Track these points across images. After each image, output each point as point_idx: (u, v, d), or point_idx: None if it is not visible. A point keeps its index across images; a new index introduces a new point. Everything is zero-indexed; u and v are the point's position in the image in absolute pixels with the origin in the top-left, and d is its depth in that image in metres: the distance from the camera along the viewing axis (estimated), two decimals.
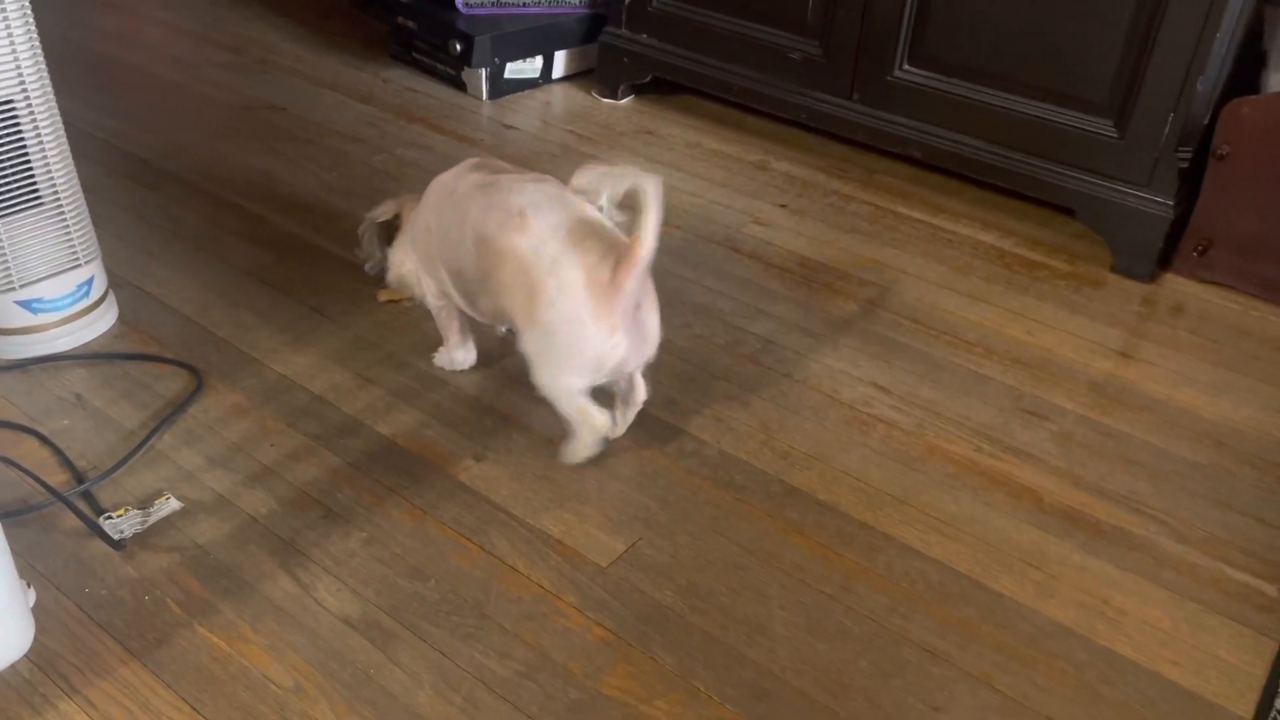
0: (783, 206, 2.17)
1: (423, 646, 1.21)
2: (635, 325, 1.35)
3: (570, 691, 1.17)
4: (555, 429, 1.51)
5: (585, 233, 1.33)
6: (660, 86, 2.61)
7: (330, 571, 1.29)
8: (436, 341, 1.67)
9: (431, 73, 2.72)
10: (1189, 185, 1.93)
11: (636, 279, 1.29)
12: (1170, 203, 1.90)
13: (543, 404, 1.44)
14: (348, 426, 1.52)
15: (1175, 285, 1.97)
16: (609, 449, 1.49)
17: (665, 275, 1.89)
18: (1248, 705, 1.19)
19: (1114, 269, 1.98)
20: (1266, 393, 1.69)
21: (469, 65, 2.56)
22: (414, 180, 2.20)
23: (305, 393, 1.58)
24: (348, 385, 1.61)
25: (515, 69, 2.64)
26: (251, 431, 1.50)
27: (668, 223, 2.08)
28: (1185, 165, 1.88)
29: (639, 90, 2.65)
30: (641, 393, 1.50)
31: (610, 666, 1.20)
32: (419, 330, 1.74)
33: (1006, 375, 1.71)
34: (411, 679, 1.17)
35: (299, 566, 1.30)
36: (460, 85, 2.64)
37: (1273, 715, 1.17)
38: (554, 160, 2.32)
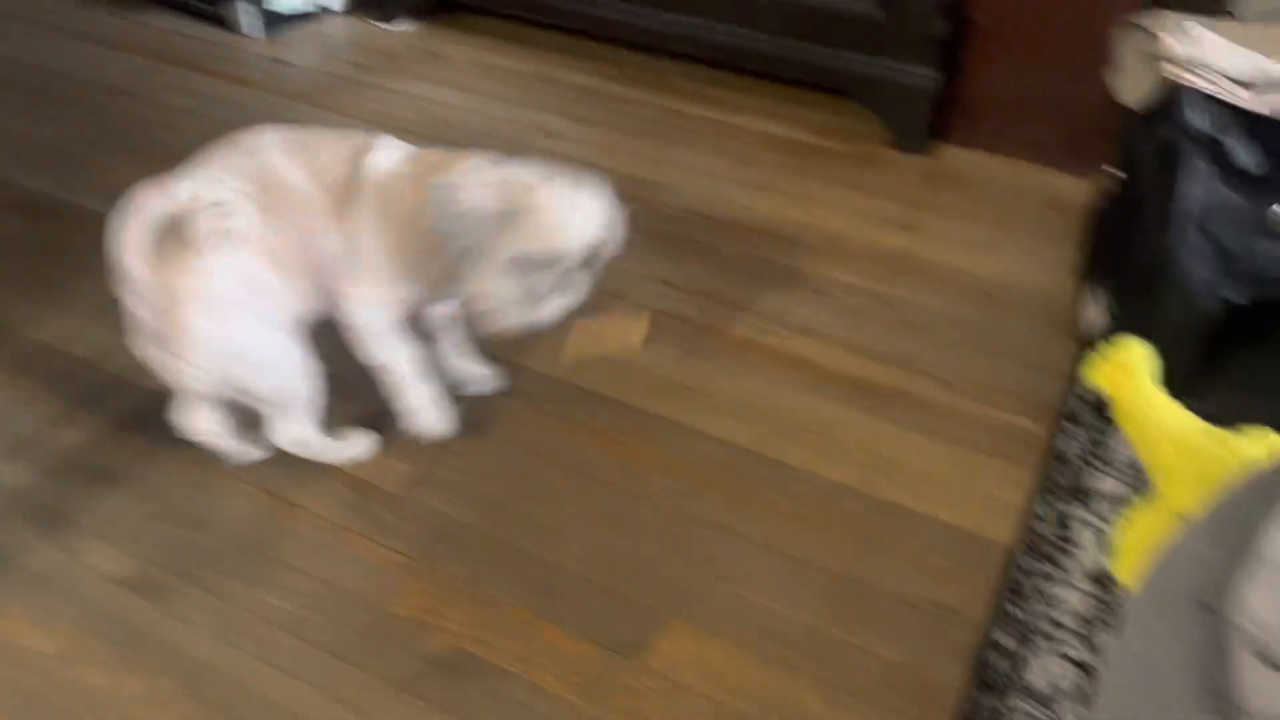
0: (580, 120, 2.15)
1: (203, 595, 1.17)
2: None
3: (361, 617, 1.15)
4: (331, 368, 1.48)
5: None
6: (443, 10, 2.53)
7: (100, 534, 1.24)
8: None
9: (197, 14, 2.56)
10: (952, 56, 1.99)
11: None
12: (935, 75, 1.95)
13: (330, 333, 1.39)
14: (112, 386, 1.45)
15: (949, 155, 2.03)
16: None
17: None
18: (1009, 532, 1.26)
19: (891, 145, 2.04)
20: (1032, 246, 1.77)
21: None
22: (188, 131, 2.08)
23: (65, 356, 1.50)
24: (111, 344, 1.51)
25: (287, 3, 2.51)
26: (5, 404, 1.41)
27: (454, 142, 2.04)
28: (946, 36, 1.93)
29: (421, 15, 2.56)
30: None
31: (401, 588, 1.19)
32: None
33: (790, 258, 1.74)
34: (192, 629, 1.14)
35: (65, 534, 1.23)
36: (226, 23, 2.50)
37: (1032, 538, 1.25)
38: (335, 93, 2.23)
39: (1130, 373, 1.25)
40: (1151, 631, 0.89)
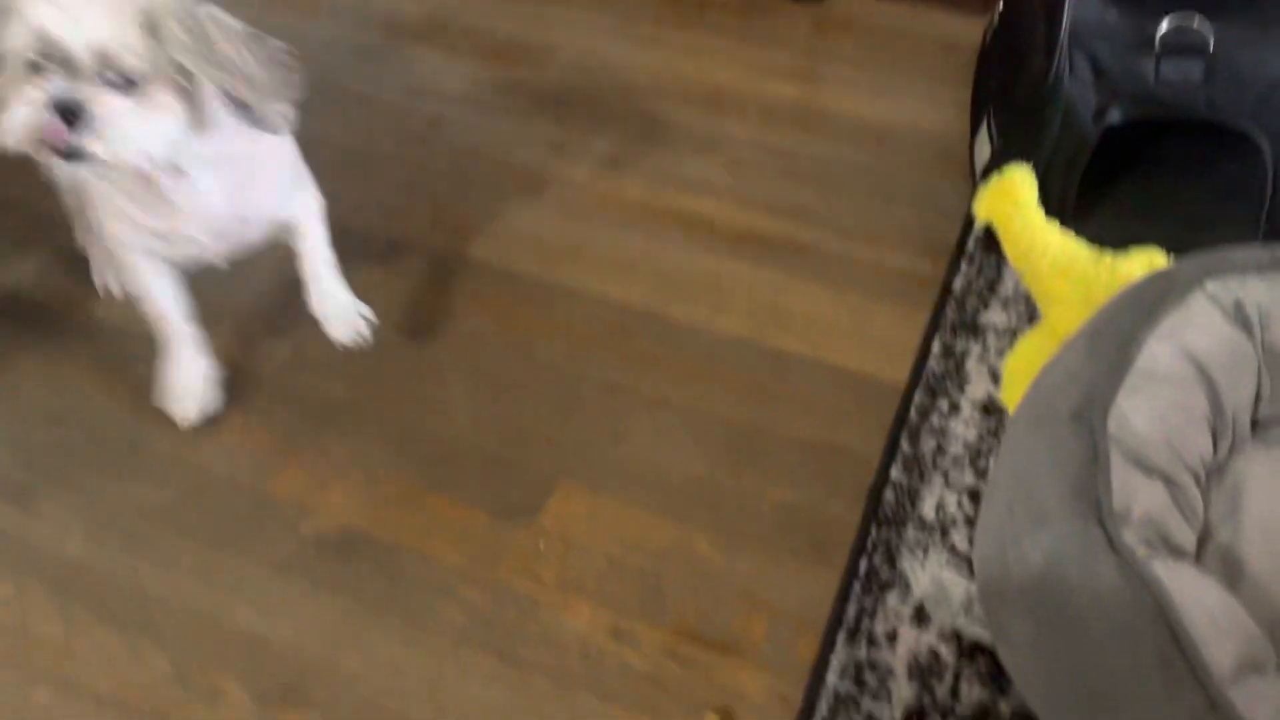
0: None
1: (69, 494, 1.11)
2: None
3: (238, 503, 1.11)
4: None
5: None
6: None
7: None
8: None
9: None
10: None
11: None
12: None
13: None
14: None
15: (840, 1, 1.96)
16: (257, 256, 1.37)
17: (323, 69, 1.74)
18: (903, 372, 1.25)
19: None
20: (927, 89, 1.73)
21: None
22: None
23: None
24: None
25: None
26: None
27: (316, 15, 1.92)
28: None
29: None
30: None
31: (279, 470, 1.14)
32: (33, 170, 1.54)
33: (680, 114, 1.67)
34: (60, 529, 1.08)
35: None
36: None
37: (925, 375, 1.24)
38: None
39: (1014, 201, 1.23)
40: (1027, 446, 0.89)
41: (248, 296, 1.34)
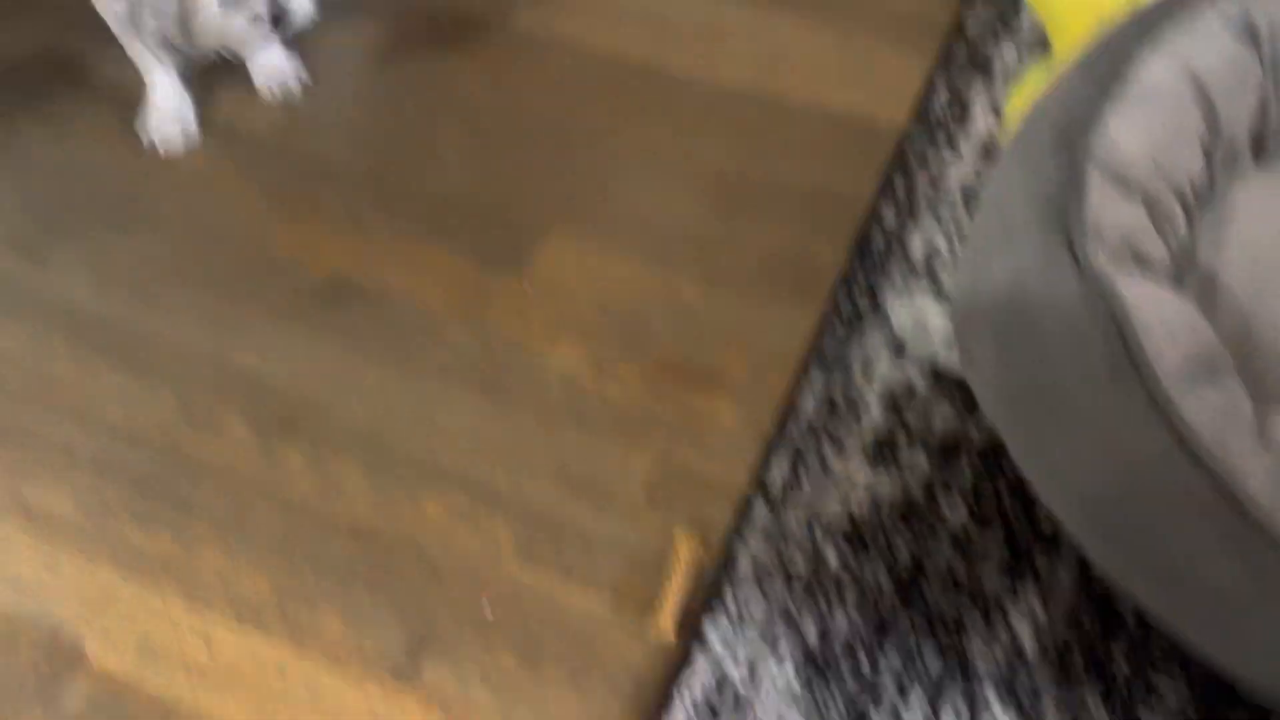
0: None
1: (79, 248, 1.15)
2: None
3: (239, 256, 1.14)
4: None
5: None
6: None
7: None
8: None
9: None
10: None
11: None
12: None
13: None
14: None
15: None
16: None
17: None
18: (904, 114, 1.21)
19: None
20: None
21: None
22: None
23: None
24: None
25: None
26: None
27: None
28: None
29: None
30: None
31: (278, 227, 1.16)
32: None
33: None
34: (71, 280, 1.12)
35: None
36: None
37: (926, 115, 1.20)
38: None
39: None
40: (1008, 169, 0.86)
41: (240, 64, 1.32)
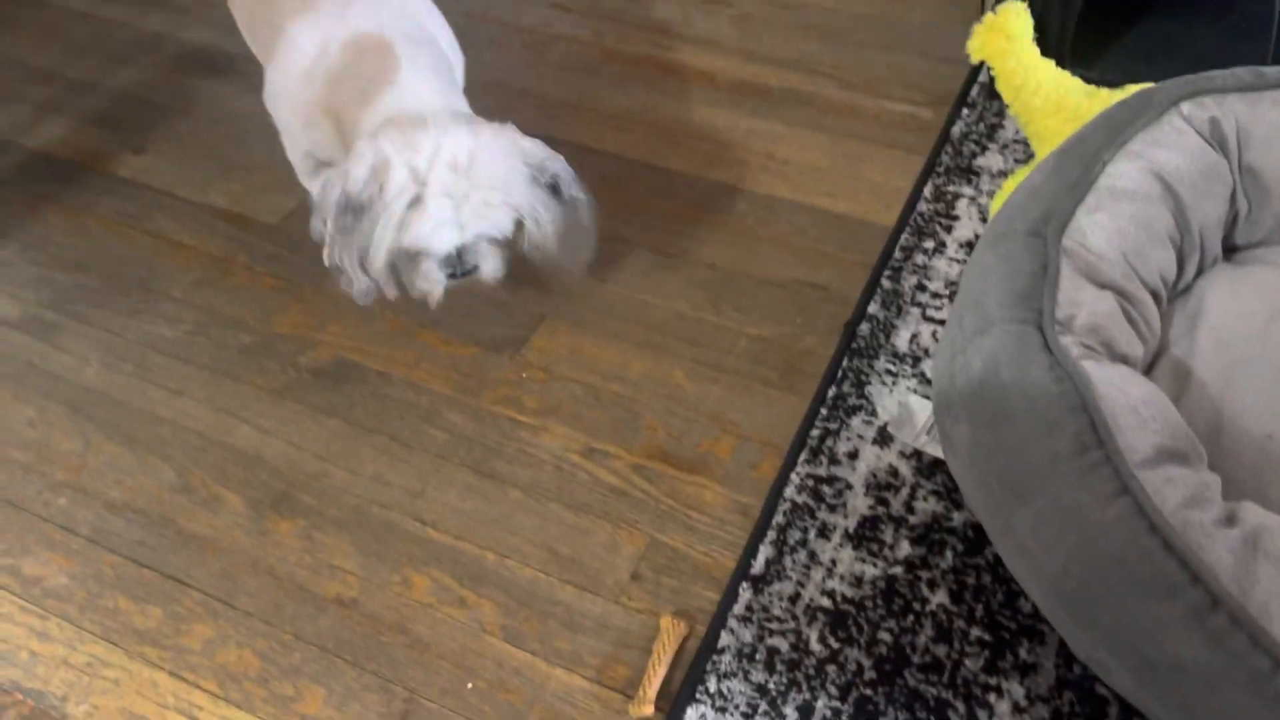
0: None
1: (88, 330, 1.19)
2: None
3: (242, 337, 1.17)
4: (220, 110, 1.45)
5: None
6: None
7: None
8: (96, 46, 1.55)
9: None
10: None
11: None
12: None
13: (207, 89, 1.36)
14: None
15: None
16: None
17: None
18: (893, 216, 1.25)
19: None
20: None
21: None
22: None
23: None
24: None
25: None
26: None
27: None
28: None
29: None
30: None
31: (282, 309, 1.20)
32: (64, 35, 1.61)
33: None
34: (78, 360, 1.16)
35: None
36: None
37: (914, 217, 1.24)
38: None
39: (1007, 36, 1.21)
40: (983, 261, 0.89)
41: (259, 154, 1.39)
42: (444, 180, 0.95)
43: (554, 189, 1.03)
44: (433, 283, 1.03)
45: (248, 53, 1.52)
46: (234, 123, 1.44)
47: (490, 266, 1.04)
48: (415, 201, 0.96)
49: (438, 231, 0.97)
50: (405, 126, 0.97)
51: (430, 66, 1.06)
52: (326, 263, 1.10)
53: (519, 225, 1.02)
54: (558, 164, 1.02)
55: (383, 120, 1.00)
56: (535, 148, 1.01)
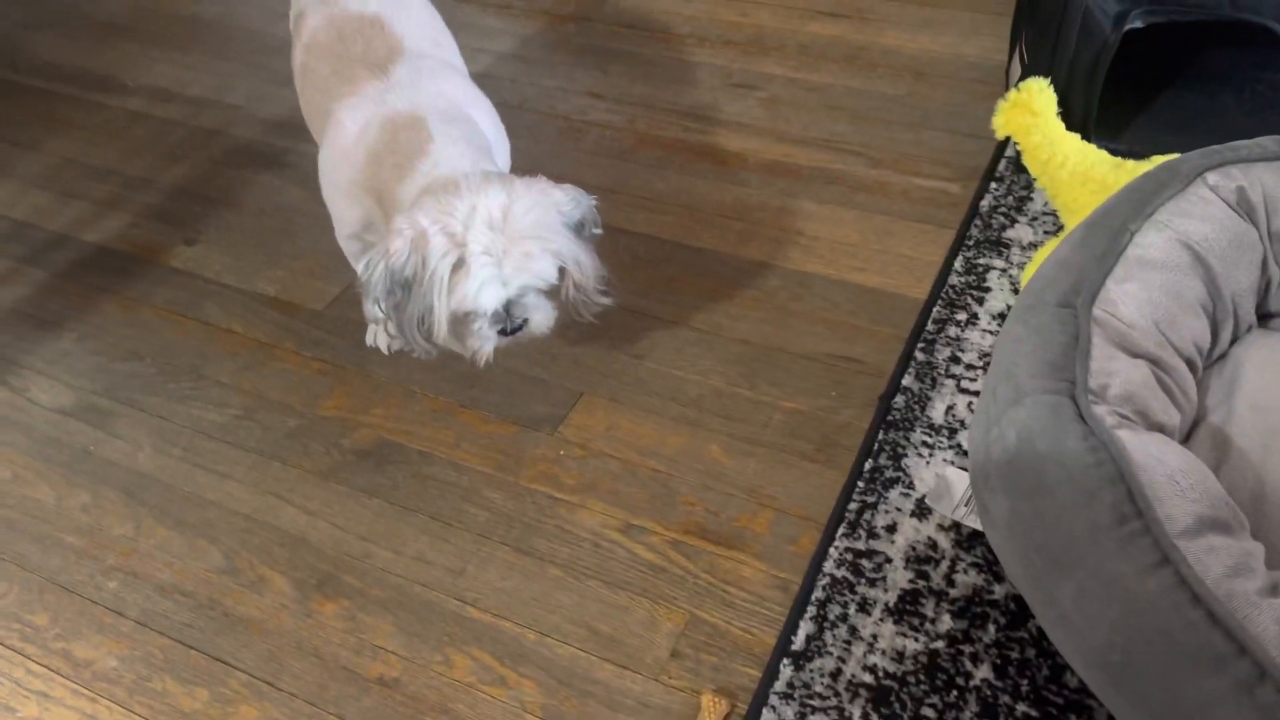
0: None
1: (140, 416, 1.23)
2: None
3: (289, 421, 1.20)
4: (267, 201, 1.51)
5: None
6: None
7: (43, 373, 1.29)
8: (153, 144, 1.63)
9: None
10: None
11: None
12: None
13: (255, 182, 1.41)
14: (53, 243, 1.49)
15: None
16: (311, 211, 1.48)
17: None
18: (925, 289, 1.26)
19: None
20: (964, 20, 1.72)
21: None
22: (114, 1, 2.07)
23: (6, 221, 1.54)
24: (51, 205, 1.56)
25: None
26: None
27: None
28: None
29: None
30: None
31: (327, 392, 1.23)
32: (124, 135, 1.69)
33: (718, 57, 1.71)
34: (131, 445, 1.19)
35: (11, 375, 1.29)
36: None
37: (945, 290, 1.25)
38: None
39: (1031, 112, 1.23)
40: (1015, 334, 0.90)
41: (305, 243, 1.43)
42: (483, 239, 0.98)
43: (580, 227, 1.05)
44: (485, 340, 1.04)
45: (294, 146, 1.59)
46: (281, 214, 1.49)
47: (540, 318, 1.05)
48: (458, 265, 0.98)
49: (483, 291, 0.99)
50: (439, 193, 1.00)
51: (463, 138, 1.09)
52: (369, 343, 1.13)
53: (561, 272, 1.04)
54: (586, 205, 1.05)
55: (419, 191, 1.03)
56: (567, 194, 1.04)
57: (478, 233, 0.97)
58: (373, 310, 1.02)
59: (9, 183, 1.61)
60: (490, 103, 1.22)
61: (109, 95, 1.81)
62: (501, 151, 1.21)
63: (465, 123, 1.12)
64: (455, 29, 1.86)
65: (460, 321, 1.03)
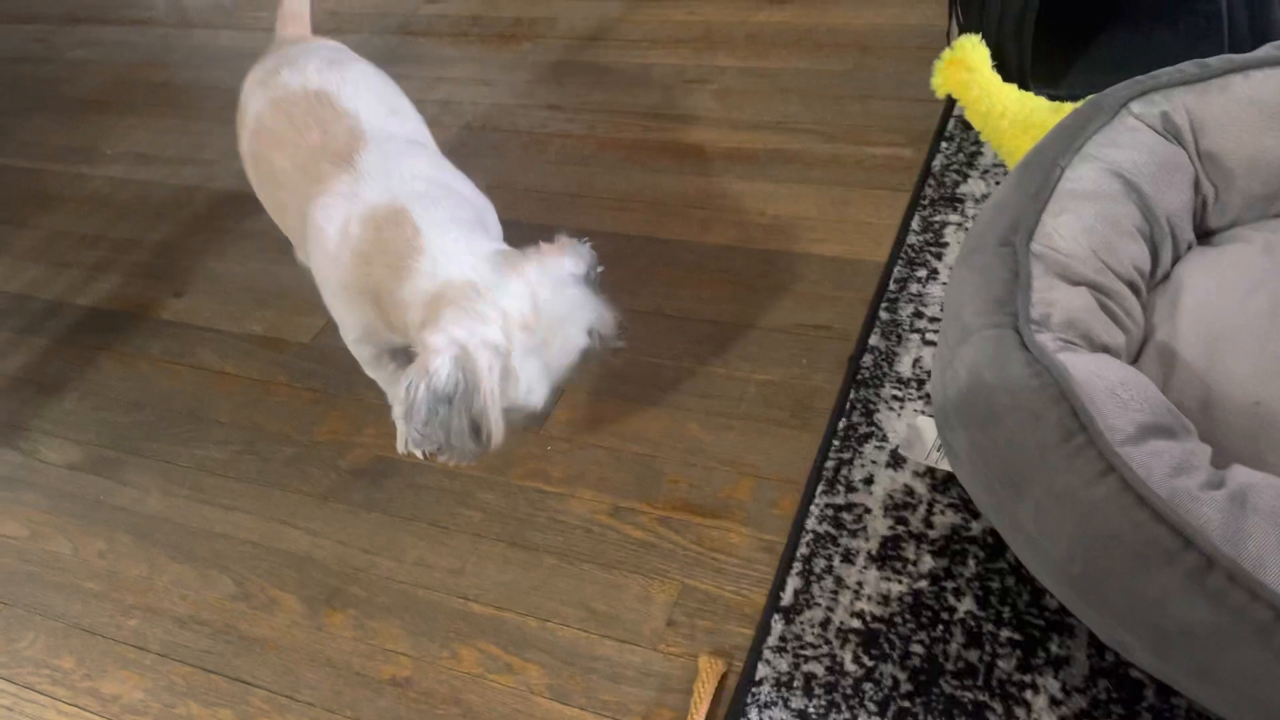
0: None
1: (146, 462, 1.27)
2: None
3: (287, 450, 1.25)
4: (249, 246, 1.56)
5: None
6: None
7: (51, 433, 1.34)
8: (137, 207, 1.68)
9: None
10: None
11: None
12: None
13: (237, 229, 1.47)
14: (49, 311, 1.55)
15: None
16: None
17: None
18: (885, 251, 1.30)
19: None
20: None
21: None
22: (92, 80, 2.15)
23: (3, 296, 1.60)
24: (44, 276, 1.62)
25: None
26: None
27: (334, 31, 2.07)
28: None
29: None
30: None
31: (321, 418, 1.28)
32: (108, 202, 1.74)
33: (670, 57, 1.76)
34: (140, 490, 1.24)
35: (20, 440, 1.34)
36: None
37: (905, 250, 1.28)
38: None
39: (970, 68, 1.26)
40: (960, 276, 0.94)
41: (289, 282, 1.48)
42: (523, 343, 0.96)
43: (588, 280, 1.04)
44: (535, 421, 1.04)
45: None
46: (263, 257, 1.54)
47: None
48: (505, 373, 0.96)
49: (534, 390, 0.98)
50: (461, 302, 0.96)
51: (450, 221, 1.04)
52: (401, 450, 1.06)
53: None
54: (587, 255, 1.04)
55: (431, 298, 0.98)
56: (571, 256, 1.02)
57: (516, 337, 0.96)
58: (415, 437, 0.98)
59: (3, 260, 1.67)
60: (460, 172, 1.17)
61: (92, 166, 1.87)
62: (489, 214, 1.17)
63: (447, 200, 1.07)
64: (413, 61, 1.92)
65: (505, 412, 1.01)
